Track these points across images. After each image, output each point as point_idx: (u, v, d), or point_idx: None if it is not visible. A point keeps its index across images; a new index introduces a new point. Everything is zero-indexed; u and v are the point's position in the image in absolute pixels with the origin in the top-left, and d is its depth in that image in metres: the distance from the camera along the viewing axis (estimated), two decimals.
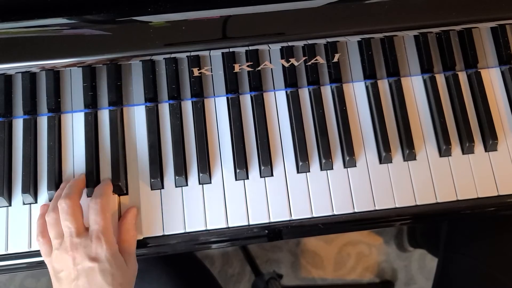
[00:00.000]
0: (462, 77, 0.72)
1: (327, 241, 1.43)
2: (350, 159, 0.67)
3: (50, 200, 0.66)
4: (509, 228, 0.80)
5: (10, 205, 0.66)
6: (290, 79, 0.68)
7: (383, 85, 0.71)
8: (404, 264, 1.42)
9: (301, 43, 0.61)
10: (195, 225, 0.65)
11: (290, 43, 0.60)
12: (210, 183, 0.67)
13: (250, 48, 0.60)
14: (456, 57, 0.68)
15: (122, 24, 0.58)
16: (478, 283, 0.77)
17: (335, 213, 0.66)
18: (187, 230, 0.65)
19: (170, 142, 0.68)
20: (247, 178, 0.67)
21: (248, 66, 0.64)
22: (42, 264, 0.64)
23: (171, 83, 0.66)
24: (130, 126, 0.69)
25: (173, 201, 0.66)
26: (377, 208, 0.66)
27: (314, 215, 0.66)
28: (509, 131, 0.70)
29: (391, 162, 0.68)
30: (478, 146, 0.69)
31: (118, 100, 0.68)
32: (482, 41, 0.67)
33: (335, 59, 0.65)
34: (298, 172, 0.67)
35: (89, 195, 0.66)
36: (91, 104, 0.68)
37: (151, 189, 0.66)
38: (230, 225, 0.65)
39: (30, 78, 0.63)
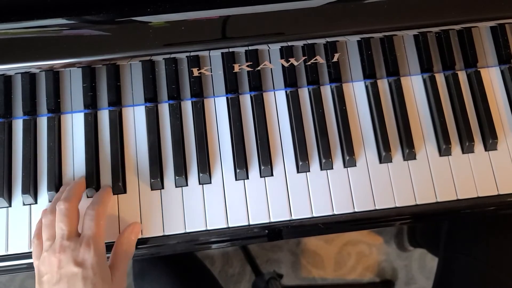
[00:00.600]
0: (462, 76, 0.72)
1: (327, 241, 1.43)
2: (350, 159, 0.67)
3: (50, 201, 0.66)
4: (509, 227, 0.80)
5: (10, 205, 0.66)
6: (290, 79, 0.68)
7: (383, 85, 0.71)
8: (404, 263, 1.42)
9: (300, 43, 0.61)
10: (195, 225, 0.65)
11: (289, 43, 0.60)
12: (210, 183, 0.67)
13: (250, 48, 0.60)
14: (455, 56, 0.68)
15: (121, 25, 0.58)
16: (478, 282, 0.77)
17: (335, 212, 0.66)
18: (187, 230, 0.65)
19: (170, 142, 0.68)
20: (247, 178, 0.67)
21: (247, 66, 0.64)
22: None
23: (171, 83, 0.66)
24: (130, 127, 0.69)
25: (173, 201, 0.66)
26: (377, 207, 0.66)
27: (314, 214, 0.66)
28: (509, 130, 0.70)
29: (391, 161, 0.68)
30: (478, 146, 0.69)
31: (117, 101, 0.68)
32: (481, 40, 0.67)
33: (335, 59, 0.65)
34: (298, 172, 0.67)
35: (89, 195, 0.66)
36: (90, 104, 0.68)
37: (151, 189, 0.66)
38: (230, 225, 0.65)
39: (30, 78, 0.63)
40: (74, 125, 0.69)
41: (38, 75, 0.62)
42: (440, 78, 0.71)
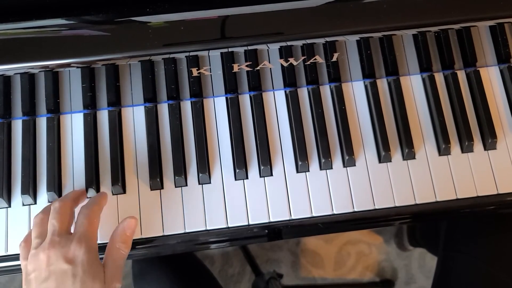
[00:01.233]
0: (461, 75, 0.72)
1: (327, 241, 1.43)
2: (349, 159, 0.67)
3: (49, 201, 0.66)
4: (509, 227, 0.80)
5: (9, 206, 0.66)
6: (289, 79, 0.68)
7: (382, 84, 0.71)
8: (404, 263, 1.42)
9: (299, 43, 0.61)
10: (194, 225, 0.65)
11: (288, 43, 0.60)
12: (210, 183, 0.67)
13: (249, 48, 0.60)
14: (455, 55, 0.68)
15: (120, 25, 0.58)
16: (478, 281, 0.77)
17: (335, 212, 0.66)
18: (187, 230, 0.65)
19: (169, 143, 0.68)
20: (247, 178, 0.67)
21: (247, 66, 0.64)
22: None
23: (170, 84, 0.66)
24: (129, 127, 0.69)
25: (173, 201, 0.66)
26: (376, 207, 0.66)
27: (314, 214, 0.66)
28: (508, 130, 0.70)
29: (390, 161, 0.68)
30: (477, 145, 0.69)
31: (117, 101, 0.68)
32: (480, 39, 0.67)
33: (334, 59, 0.65)
34: (297, 171, 0.67)
35: (88, 196, 0.66)
36: (90, 104, 0.68)
37: (151, 190, 0.66)
38: (230, 225, 0.65)
39: (29, 79, 0.63)
40: (74, 125, 0.69)
41: (37, 75, 0.62)
42: (439, 78, 0.71)
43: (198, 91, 0.68)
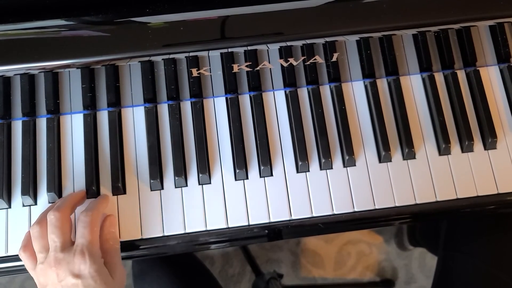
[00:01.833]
0: (461, 75, 0.72)
1: (327, 241, 1.43)
2: (349, 159, 0.67)
3: (49, 202, 0.66)
4: (509, 226, 0.80)
5: (9, 207, 0.66)
6: (289, 79, 0.68)
7: (382, 84, 0.71)
8: (404, 262, 1.42)
9: (299, 43, 0.61)
10: (195, 225, 0.65)
11: (288, 43, 0.60)
12: (210, 183, 0.67)
13: (249, 48, 0.60)
14: (454, 55, 0.68)
15: (120, 25, 0.58)
16: (478, 281, 0.77)
17: (335, 212, 0.66)
18: (187, 231, 0.65)
19: (169, 143, 0.68)
20: (247, 178, 0.67)
21: (246, 66, 0.64)
22: None
23: (170, 84, 0.66)
24: (129, 127, 0.69)
25: (173, 202, 0.66)
26: (377, 207, 0.66)
27: (314, 214, 0.66)
28: (508, 129, 0.70)
29: (390, 161, 0.68)
30: (478, 145, 0.69)
31: (117, 101, 0.68)
32: (480, 39, 0.67)
33: (334, 59, 0.65)
34: (297, 171, 0.67)
35: (88, 196, 0.66)
36: (90, 105, 0.68)
37: (151, 190, 0.66)
38: (230, 225, 0.65)
39: (29, 79, 0.63)
40: (74, 126, 0.69)
41: (37, 76, 0.62)
42: (439, 77, 0.71)
43: (198, 92, 0.68)
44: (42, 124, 0.68)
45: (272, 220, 0.65)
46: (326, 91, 0.70)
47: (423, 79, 0.71)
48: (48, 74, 0.62)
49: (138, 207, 0.66)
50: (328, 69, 0.68)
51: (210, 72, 0.64)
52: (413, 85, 0.71)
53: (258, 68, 0.65)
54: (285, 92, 0.70)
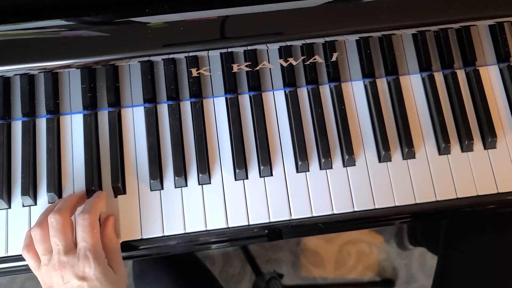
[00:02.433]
0: (461, 75, 0.72)
1: (328, 240, 1.43)
2: (349, 158, 0.67)
3: (49, 202, 0.66)
4: (509, 226, 0.80)
5: (9, 207, 0.66)
6: (289, 79, 0.68)
7: (382, 84, 0.71)
8: (404, 262, 1.42)
9: (299, 43, 0.61)
10: (195, 225, 0.65)
11: (288, 43, 0.60)
12: (210, 183, 0.67)
13: (248, 48, 0.60)
14: (454, 55, 0.68)
15: (120, 25, 0.58)
16: (478, 280, 0.77)
17: (335, 212, 0.66)
18: (187, 231, 0.65)
19: (169, 143, 0.68)
20: (247, 178, 0.67)
21: (246, 66, 0.64)
22: None
23: (170, 84, 0.66)
24: (129, 127, 0.69)
25: (173, 202, 0.66)
26: (377, 206, 0.66)
27: (314, 214, 0.66)
28: (508, 129, 0.70)
29: (390, 160, 0.68)
30: (477, 144, 0.69)
31: (116, 102, 0.68)
32: (480, 39, 0.67)
33: (334, 58, 0.65)
34: (297, 171, 0.67)
35: (88, 196, 0.66)
36: (90, 105, 0.68)
37: (151, 190, 0.66)
38: (230, 225, 0.65)
39: (29, 80, 0.63)
40: (73, 126, 0.69)
41: (37, 76, 0.62)
42: (439, 77, 0.71)
43: (197, 92, 0.68)
44: (42, 124, 0.68)
45: (272, 220, 0.65)
46: (325, 91, 0.70)
47: (423, 79, 0.71)
48: (48, 74, 0.62)
49: (138, 207, 0.66)
50: (327, 69, 0.68)
51: (210, 72, 0.64)
52: (413, 84, 0.71)
53: (257, 68, 0.65)
54: (285, 92, 0.70)
